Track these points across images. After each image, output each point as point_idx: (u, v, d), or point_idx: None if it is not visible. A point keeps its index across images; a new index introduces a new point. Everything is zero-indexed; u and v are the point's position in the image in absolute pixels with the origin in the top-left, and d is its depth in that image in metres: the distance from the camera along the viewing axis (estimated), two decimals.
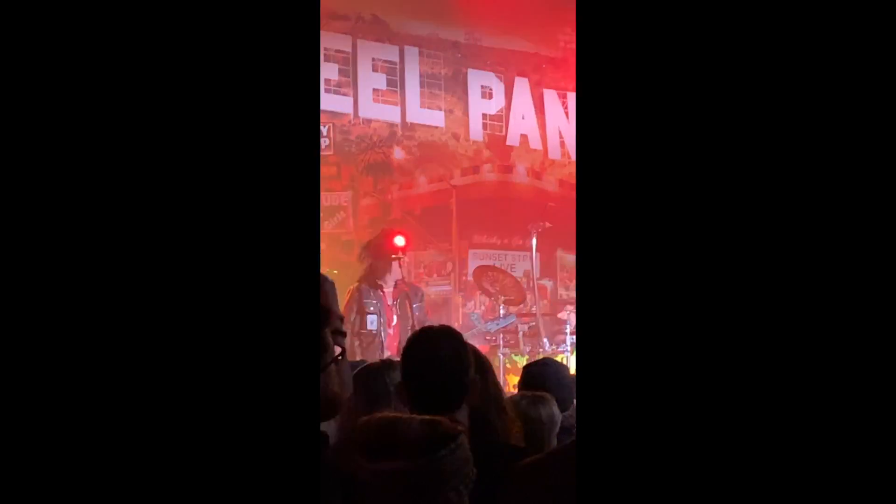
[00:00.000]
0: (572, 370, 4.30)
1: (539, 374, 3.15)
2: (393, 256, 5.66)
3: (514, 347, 6.75)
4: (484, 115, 8.82)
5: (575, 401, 3.03)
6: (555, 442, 2.67)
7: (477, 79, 8.79)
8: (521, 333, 6.86)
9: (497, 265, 8.01)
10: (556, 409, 2.74)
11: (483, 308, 7.78)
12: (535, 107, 8.91)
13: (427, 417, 1.75)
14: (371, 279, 5.61)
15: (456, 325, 6.97)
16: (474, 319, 7.27)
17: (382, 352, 4.99)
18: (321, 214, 7.79)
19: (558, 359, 5.65)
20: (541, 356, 5.68)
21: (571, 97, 9.02)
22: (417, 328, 5.41)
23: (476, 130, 8.82)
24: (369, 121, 8.42)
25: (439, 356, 2.30)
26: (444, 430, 1.68)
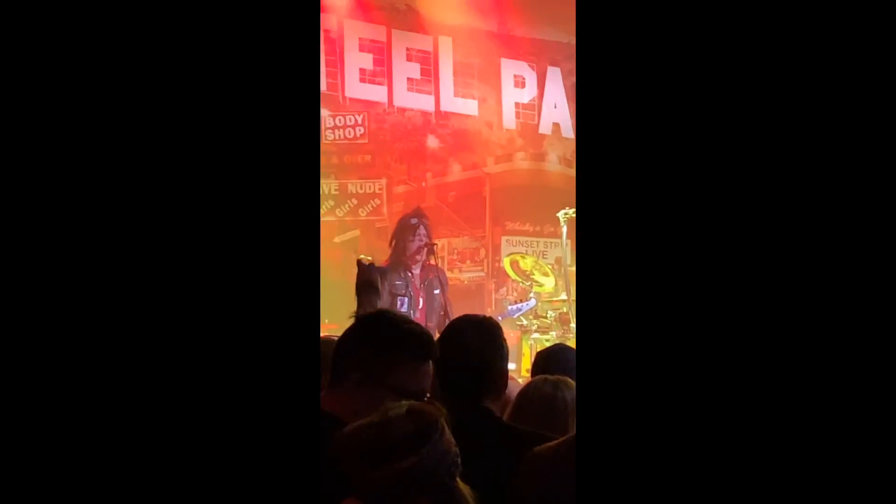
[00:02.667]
0: None
1: (552, 357, 3.11)
2: (426, 243, 5.66)
3: (545, 333, 6.58)
4: (517, 104, 8.73)
5: None
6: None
7: (510, 68, 8.70)
8: (551, 319, 6.68)
9: (529, 252, 7.85)
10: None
11: (515, 294, 7.66)
12: (567, 96, 8.77)
13: (407, 409, 1.72)
14: (397, 262, 5.59)
15: (488, 311, 7.00)
16: (507, 305, 7.24)
17: None
18: (356, 202, 7.22)
19: None
20: (570, 341, 5.63)
21: None
22: (443, 312, 5.43)
23: (509, 119, 8.74)
24: (404, 109, 8.36)
25: (468, 344, 2.30)
26: (428, 418, 1.69)
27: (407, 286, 5.54)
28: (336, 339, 2.69)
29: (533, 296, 6.95)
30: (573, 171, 8.68)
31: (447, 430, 1.67)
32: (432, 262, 5.77)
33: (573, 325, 6.47)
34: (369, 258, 6.53)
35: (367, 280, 3.52)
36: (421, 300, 5.61)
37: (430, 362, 2.06)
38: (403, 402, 1.73)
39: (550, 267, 7.34)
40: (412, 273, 5.55)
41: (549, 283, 7.02)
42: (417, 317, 5.28)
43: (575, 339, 5.99)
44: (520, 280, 7.08)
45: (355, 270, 5.49)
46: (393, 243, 5.67)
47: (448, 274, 7.30)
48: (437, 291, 5.63)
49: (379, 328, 2.11)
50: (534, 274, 7.00)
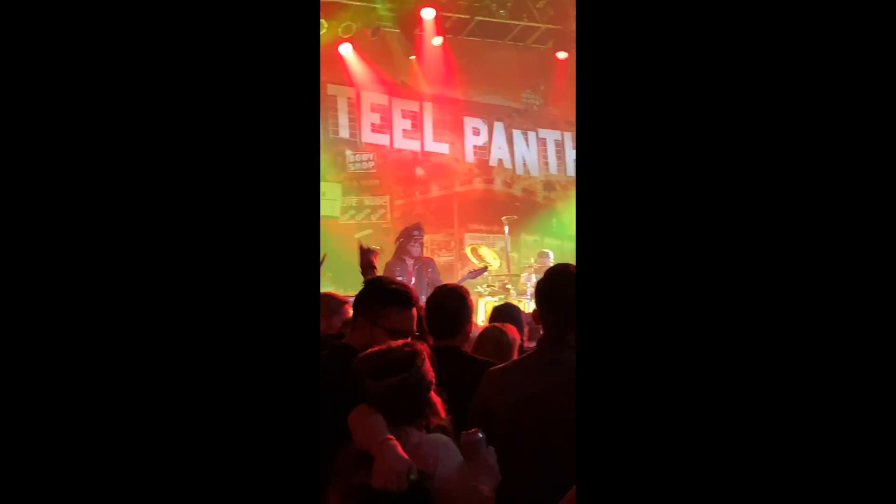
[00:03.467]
0: (526, 310, 4.55)
1: (500, 312, 3.52)
2: (415, 233, 6.56)
3: (493, 296, 7.69)
4: (474, 146, 9.90)
5: (526, 328, 3.40)
6: (516, 354, 2.86)
7: (469, 122, 9.87)
8: (497, 287, 7.89)
9: (483, 243, 8.90)
10: (517, 334, 3.02)
11: (472, 270, 8.36)
12: (507, 141, 10.01)
13: (401, 343, 1.89)
14: (399, 255, 6.46)
15: (457, 281, 7.29)
16: (466, 277, 8.10)
17: None
18: (369, 212, 9.09)
19: (518, 303, 6.50)
20: (511, 300, 6.80)
21: (531, 134, 10.19)
22: (432, 286, 5.69)
23: (469, 156, 9.87)
24: (400, 150, 9.42)
25: (445, 302, 2.62)
26: (415, 350, 1.87)
27: (402, 271, 6.34)
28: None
29: (486, 263, 7.90)
30: (511, 190, 9.92)
31: (427, 360, 1.85)
32: (423, 255, 6.76)
33: (512, 290, 7.70)
34: (368, 246, 6.07)
35: (367, 262, 3.66)
36: (413, 279, 6.42)
37: (412, 309, 2.18)
38: (400, 341, 1.92)
39: (497, 252, 8.47)
40: (406, 262, 6.49)
41: (496, 263, 8.20)
42: None
43: (509, 299, 6.95)
44: (476, 262, 8.11)
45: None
46: (398, 242, 6.61)
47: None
48: (430, 270, 6.60)
49: (374, 288, 2.29)
50: (486, 257, 8.15)
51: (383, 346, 1.89)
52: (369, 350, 1.90)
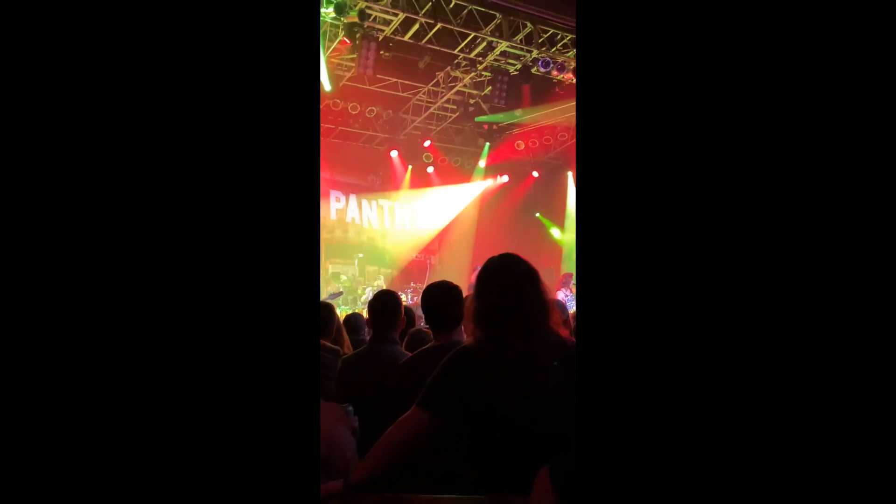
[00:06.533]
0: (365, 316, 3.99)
1: (348, 319, 3.88)
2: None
3: (343, 305, 9.13)
4: (336, 209, 11.97)
5: (366, 329, 3.67)
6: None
7: (334, 194, 12.01)
8: (348, 299, 9.49)
9: (341, 272, 10.72)
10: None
11: (332, 293, 9.78)
12: (358, 206, 12.21)
13: (329, 346, 2.37)
14: None
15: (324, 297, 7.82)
16: (329, 294, 9.31)
17: None
18: None
19: (361, 311, 6.70)
20: (356, 310, 7.48)
21: (374, 202, 12.10)
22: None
23: (333, 215, 11.89)
24: None
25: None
26: (334, 347, 2.44)
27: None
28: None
29: (341, 289, 9.72)
30: (360, 238, 11.86)
31: (337, 353, 2.53)
32: None
33: (360, 302, 9.21)
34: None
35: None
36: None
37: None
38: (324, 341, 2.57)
39: (350, 278, 10.43)
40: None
41: (348, 283, 10.08)
42: None
43: (356, 309, 8.00)
44: (335, 283, 10.09)
45: None
46: None
47: None
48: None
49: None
50: (341, 278, 10.23)
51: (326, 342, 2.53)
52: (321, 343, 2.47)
